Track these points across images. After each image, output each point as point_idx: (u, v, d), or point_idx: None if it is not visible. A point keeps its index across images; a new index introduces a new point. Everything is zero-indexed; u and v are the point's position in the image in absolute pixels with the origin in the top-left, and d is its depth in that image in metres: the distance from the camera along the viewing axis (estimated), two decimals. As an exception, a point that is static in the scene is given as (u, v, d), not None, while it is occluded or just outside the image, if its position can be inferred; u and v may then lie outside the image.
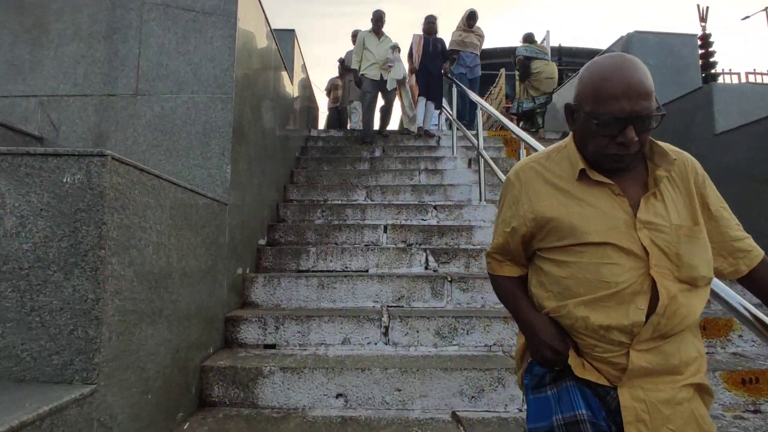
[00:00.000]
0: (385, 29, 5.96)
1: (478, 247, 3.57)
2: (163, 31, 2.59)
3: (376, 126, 6.47)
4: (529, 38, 7.54)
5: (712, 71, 10.72)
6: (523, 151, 3.11)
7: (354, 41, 7.34)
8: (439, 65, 6.18)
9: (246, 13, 2.78)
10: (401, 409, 2.04)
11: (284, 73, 4.41)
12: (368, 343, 2.42)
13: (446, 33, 6.60)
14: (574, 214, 0.98)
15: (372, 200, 4.36)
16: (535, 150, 2.88)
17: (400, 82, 6.13)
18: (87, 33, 2.61)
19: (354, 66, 6.01)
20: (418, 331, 2.44)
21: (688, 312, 0.93)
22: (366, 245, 3.55)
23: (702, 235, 0.98)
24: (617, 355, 0.94)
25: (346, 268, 3.20)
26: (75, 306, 1.24)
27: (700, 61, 7.87)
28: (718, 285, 1.35)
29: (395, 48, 5.91)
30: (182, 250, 1.84)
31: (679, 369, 0.95)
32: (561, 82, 9.01)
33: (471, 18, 6.58)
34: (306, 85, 6.64)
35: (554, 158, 1.06)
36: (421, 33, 6.28)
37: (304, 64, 6.77)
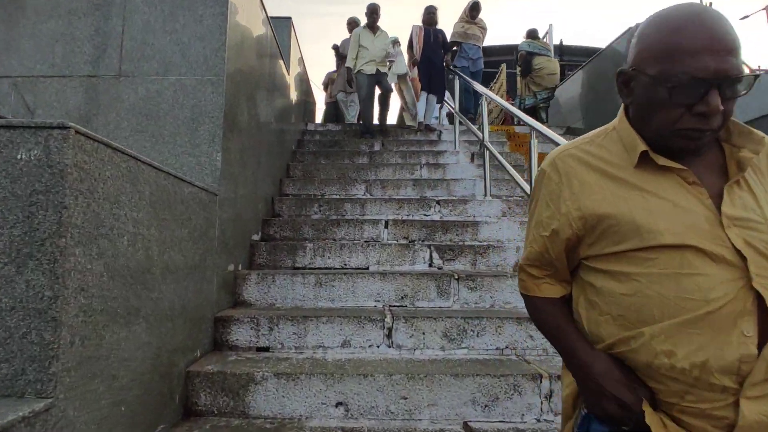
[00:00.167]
0: (382, 25, 5.76)
1: (485, 243, 3.39)
2: (149, 8, 2.39)
3: (375, 120, 6.26)
4: (532, 34, 7.39)
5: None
6: (533, 141, 2.93)
7: (349, 29, 7.13)
8: (440, 57, 6.00)
9: (239, -9, 2.59)
10: (407, 419, 1.85)
11: (280, 62, 4.22)
12: (370, 346, 2.24)
13: (444, 26, 6.38)
14: (637, 208, 0.76)
15: (372, 195, 4.17)
16: (551, 140, 2.70)
17: (401, 77, 5.93)
18: (66, 9, 2.41)
19: (348, 64, 5.74)
20: (424, 333, 2.25)
21: None
22: (366, 241, 3.36)
23: None
24: (719, 407, 0.69)
25: (345, 265, 3.01)
26: (28, 305, 1.04)
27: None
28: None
29: (396, 42, 5.71)
30: (165, 243, 1.65)
31: None
32: (563, 78, 8.86)
33: (474, 9, 6.40)
34: (303, 79, 6.44)
35: (600, 142, 0.86)
36: (420, 24, 6.10)
37: (302, 57, 6.57)
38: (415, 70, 6.20)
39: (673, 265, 0.73)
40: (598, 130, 0.89)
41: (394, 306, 2.60)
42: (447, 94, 6.34)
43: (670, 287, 0.72)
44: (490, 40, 9.27)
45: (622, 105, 0.88)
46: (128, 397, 1.38)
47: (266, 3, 3.34)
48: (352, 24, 7.10)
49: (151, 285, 1.53)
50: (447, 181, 4.31)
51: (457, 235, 3.43)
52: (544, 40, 8.23)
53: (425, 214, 3.80)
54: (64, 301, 1.06)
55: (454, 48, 6.51)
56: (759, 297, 0.69)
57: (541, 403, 1.88)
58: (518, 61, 7.40)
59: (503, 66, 9.55)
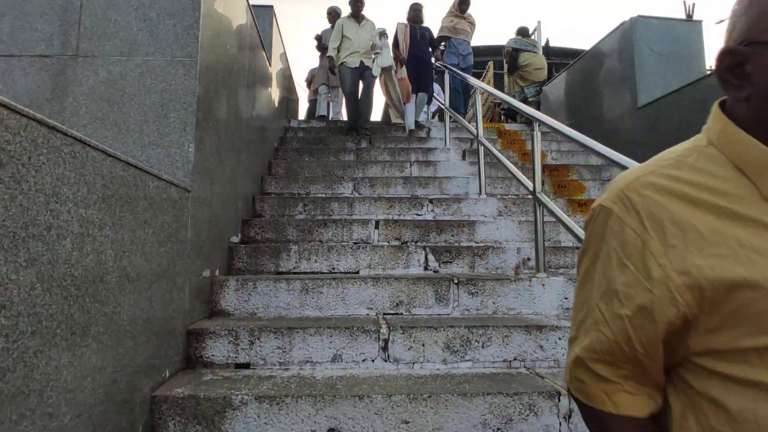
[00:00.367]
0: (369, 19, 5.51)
1: (482, 244, 3.18)
2: (112, -20, 2.11)
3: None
4: (523, 32, 7.26)
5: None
6: (537, 134, 2.72)
7: (330, 19, 6.86)
8: (428, 54, 5.78)
9: (215, -35, 2.33)
10: (409, 446, 1.62)
11: (262, 53, 3.95)
12: (364, 360, 1.99)
13: (428, 25, 6.17)
14: None
15: (360, 193, 3.93)
16: (555, 130, 2.50)
17: (386, 71, 5.59)
18: (15, -19, 2.12)
19: (330, 53, 5.47)
20: (423, 345, 2.02)
21: None
22: (355, 243, 3.12)
23: None
24: None
25: (334, 269, 2.77)
26: None
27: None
28: None
29: (383, 34, 5.41)
30: (123, 246, 1.38)
31: None
32: (550, 75, 8.75)
33: (463, 2, 6.21)
34: (286, 75, 6.17)
35: (693, 164, 0.59)
36: (405, 22, 5.87)
37: (285, 53, 6.30)
38: (403, 69, 5.92)
39: None
40: (679, 147, 0.63)
41: (389, 314, 2.36)
42: (437, 87, 6.12)
43: None
44: (478, 39, 9.11)
45: (716, 106, 0.62)
46: (73, 437, 1.12)
47: (246, -15, 3.08)
48: (333, 14, 6.83)
49: (104, 296, 1.26)
50: (439, 178, 4.09)
51: (452, 235, 3.21)
52: (533, 37, 8.10)
53: (417, 214, 3.57)
54: (-28, 324, 0.80)
55: (443, 44, 6.31)
56: None
57: (560, 424, 1.67)
58: (505, 58, 7.27)
59: (490, 64, 9.42)
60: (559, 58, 10.57)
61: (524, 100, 7.39)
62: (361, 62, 5.27)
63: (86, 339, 1.17)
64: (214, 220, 2.39)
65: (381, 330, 2.01)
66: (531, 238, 3.28)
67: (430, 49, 5.85)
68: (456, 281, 2.42)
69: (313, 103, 7.76)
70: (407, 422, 1.63)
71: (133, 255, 1.45)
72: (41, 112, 1.91)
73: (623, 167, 1.83)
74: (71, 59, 2.05)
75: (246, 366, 1.95)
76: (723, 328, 0.52)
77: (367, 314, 2.35)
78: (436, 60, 5.87)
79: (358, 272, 2.76)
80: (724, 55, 0.57)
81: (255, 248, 2.77)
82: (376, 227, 3.19)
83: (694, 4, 10.12)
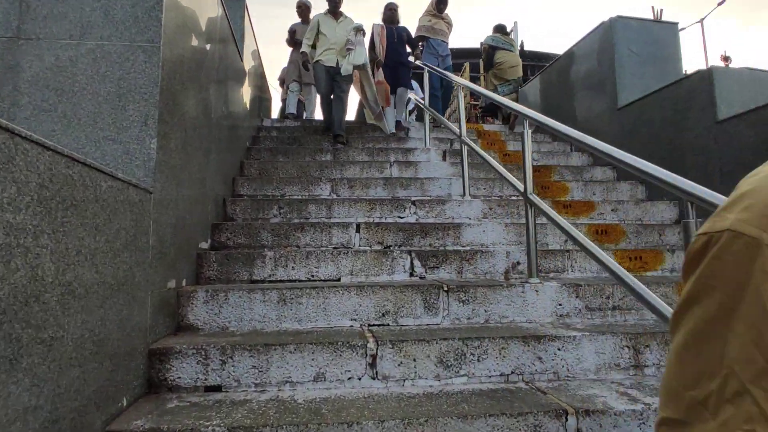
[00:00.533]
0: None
1: (468, 248, 3.04)
2: (61, -46, 1.87)
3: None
4: (500, 29, 7.19)
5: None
6: (527, 133, 2.59)
7: (299, 13, 6.62)
8: (406, 55, 5.61)
9: (180, -58, 2.11)
10: (404, 477, 1.44)
11: (234, 48, 3.72)
12: (350, 379, 1.80)
13: (404, 24, 6.01)
14: None
15: (338, 195, 3.74)
16: (547, 126, 2.37)
17: (361, 69, 5.28)
18: (-54, -48, 1.85)
19: (304, 48, 5.22)
20: (414, 360, 1.85)
21: None
22: (335, 248, 2.93)
23: None
24: None
25: (313, 276, 2.57)
26: None
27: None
28: None
29: (359, 30, 5.12)
30: (67, 257, 1.16)
31: None
32: (526, 77, 8.75)
33: (441, 2, 6.08)
34: (259, 72, 5.93)
35: None
36: (380, 23, 5.68)
37: (258, 50, 6.06)
38: (380, 72, 5.71)
39: None
40: None
41: (374, 325, 2.18)
42: (415, 85, 5.96)
43: None
44: (453, 40, 9.02)
45: None
46: (-3, 498, 0.89)
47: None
48: (302, 7, 6.58)
49: (40, 320, 1.04)
50: (420, 180, 3.94)
51: (437, 239, 3.06)
52: (510, 36, 8.07)
53: (399, 216, 3.40)
54: None
55: (421, 44, 6.17)
56: None
57: (568, 446, 1.52)
58: (482, 55, 7.19)
59: (466, 65, 9.36)
60: (534, 60, 10.61)
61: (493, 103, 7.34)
62: (338, 61, 5.02)
63: (15, 374, 0.95)
64: (181, 225, 2.16)
65: (368, 345, 1.83)
66: (518, 241, 3.17)
67: (409, 49, 5.68)
68: (446, 288, 2.26)
69: (286, 102, 7.51)
70: (402, 451, 1.45)
71: (80, 267, 1.22)
72: (-25, 101, 1.66)
73: (632, 166, 1.71)
74: (11, 42, 1.80)
75: (217, 389, 1.73)
76: None
77: (351, 326, 2.16)
78: (416, 59, 5.70)
79: (339, 279, 2.57)
80: None
81: (226, 255, 2.54)
82: (357, 231, 3.00)
83: (662, 10, 10.30)
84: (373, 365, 1.81)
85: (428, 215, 3.45)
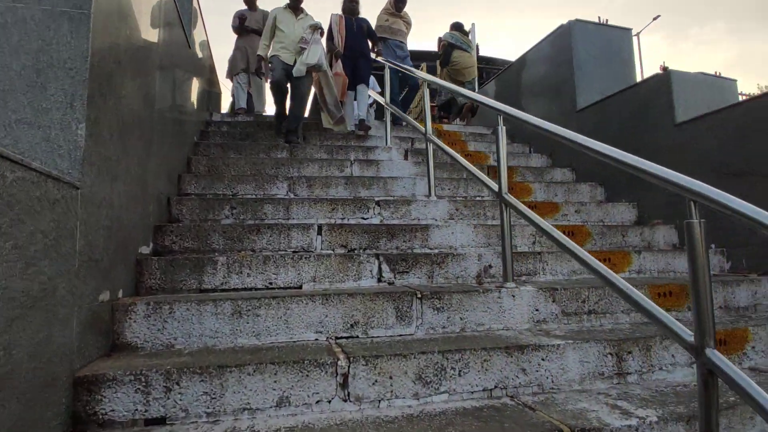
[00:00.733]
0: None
1: (437, 250, 2.89)
2: None
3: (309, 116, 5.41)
4: (458, 27, 7.15)
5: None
6: (501, 130, 2.46)
7: (246, 1, 6.26)
8: (366, 47, 5.40)
9: None
10: None
11: (181, 33, 3.39)
12: (318, 402, 1.58)
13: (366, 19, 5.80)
14: None
15: (296, 194, 3.49)
16: (525, 122, 2.24)
17: (317, 70, 4.96)
18: None
19: (260, 52, 4.89)
20: (391, 377, 1.65)
21: None
22: (295, 252, 2.69)
23: None
24: None
25: (271, 284, 2.32)
26: None
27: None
28: None
29: (316, 28, 4.70)
30: (-46, 270, 0.88)
31: None
32: (481, 80, 8.79)
33: (400, 0, 5.92)
34: (208, 64, 5.55)
35: None
36: (340, 13, 5.45)
37: (207, 42, 5.67)
38: (338, 64, 5.45)
39: None
40: None
41: (342, 338, 1.97)
42: (373, 80, 5.75)
43: None
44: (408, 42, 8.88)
45: None
46: None
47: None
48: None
49: None
50: (383, 179, 3.75)
51: (404, 241, 2.88)
52: (468, 37, 8.07)
53: (363, 217, 3.20)
54: None
55: (376, 48, 5.95)
56: None
57: (565, 471, 1.38)
58: (439, 51, 7.12)
59: (424, 64, 9.28)
60: (487, 65, 10.70)
61: (451, 100, 7.30)
62: (295, 60, 4.68)
63: None
64: (117, 227, 1.86)
65: (338, 362, 1.61)
66: (488, 243, 3.05)
67: (369, 43, 5.48)
68: (419, 295, 2.08)
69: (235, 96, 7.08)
70: (384, 489, 1.25)
71: (-26, 282, 0.94)
72: None
73: (635, 167, 1.59)
74: None
75: (161, 421, 1.46)
76: None
77: (317, 340, 1.93)
78: (377, 55, 5.50)
79: (300, 287, 2.33)
80: None
81: (172, 261, 2.24)
82: (319, 233, 2.77)
83: (607, 20, 10.73)
84: (344, 385, 1.60)
85: (393, 216, 3.27)
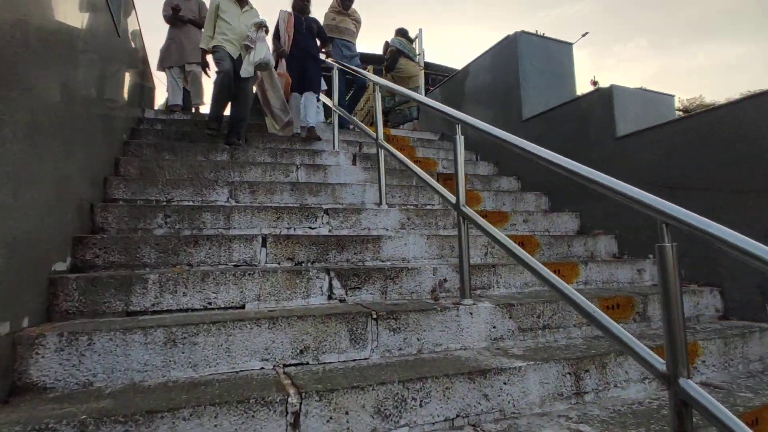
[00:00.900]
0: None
1: (389, 263, 2.78)
2: None
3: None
4: (404, 33, 7.11)
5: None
6: (459, 139, 2.37)
7: None
8: (316, 48, 5.15)
9: None
10: None
11: (108, 19, 3.06)
12: (265, 446, 1.40)
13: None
14: None
15: (238, 201, 3.25)
16: (483, 131, 2.17)
17: (263, 68, 4.54)
18: None
19: (203, 45, 4.48)
20: (347, 413, 1.50)
21: None
22: (237, 266, 2.47)
23: None
24: None
25: (210, 304, 2.09)
26: None
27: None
28: None
29: (261, 26, 4.38)
30: None
31: None
32: (427, 85, 8.82)
33: (347, -3, 5.77)
34: (141, 57, 5.14)
35: None
36: (289, 10, 5.19)
37: (140, 32, 5.25)
38: (282, 64, 5.18)
39: None
40: None
41: (292, 365, 1.79)
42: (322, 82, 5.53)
43: None
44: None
45: None
46: None
47: None
48: None
49: None
50: (331, 185, 3.59)
51: (355, 254, 2.74)
52: (413, 44, 8.06)
53: (311, 227, 3.03)
54: None
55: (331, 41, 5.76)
56: None
57: None
58: (385, 56, 7.05)
59: (370, 68, 9.18)
60: (435, 71, 10.79)
61: (394, 106, 7.26)
62: (240, 56, 4.37)
63: None
64: (24, 240, 1.57)
65: (289, 399, 1.44)
66: (441, 254, 2.97)
67: (318, 44, 5.25)
68: (374, 316, 1.95)
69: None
70: None
71: None
72: None
73: (606, 187, 1.54)
74: None
75: (72, 482, 1.22)
76: None
77: (263, 369, 1.74)
78: (327, 56, 5.28)
79: (243, 306, 2.12)
80: None
81: (93, 279, 1.96)
82: (264, 245, 2.57)
83: (544, 33, 11.14)
84: (295, 425, 1.43)
85: (342, 226, 3.11)
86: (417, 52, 8.15)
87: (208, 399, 1.39)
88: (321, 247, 2.68)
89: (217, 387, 1.51)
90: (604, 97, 3.90)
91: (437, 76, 9.87)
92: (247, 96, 4.49)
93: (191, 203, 3.11)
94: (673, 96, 4.34)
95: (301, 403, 1.44)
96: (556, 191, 4.29)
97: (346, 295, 2.32)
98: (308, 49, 4.94)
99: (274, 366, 1.77)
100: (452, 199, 2.35)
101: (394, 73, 6.85)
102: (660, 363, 1.28)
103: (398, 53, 6.82)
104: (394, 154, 3.18)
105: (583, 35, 26.26)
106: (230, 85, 4.35)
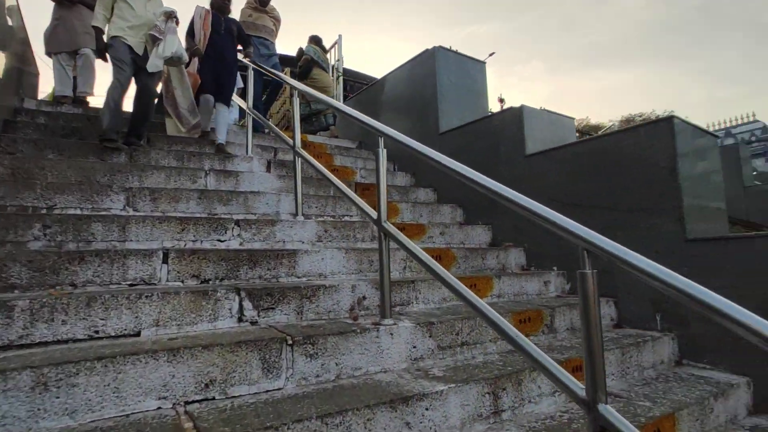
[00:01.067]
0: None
1: (305, 279, 2.64)
2: None
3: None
4: (317, 41, 6.96)
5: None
6: (381, 152, 2.30)
7: None
8: (233, 54, 4.72)
9: None
10: None
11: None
12: (159, 506, 1.21)
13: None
14: None
15: (137, 210, 2.91)
16: (406, 145, 2.12)
17: (174, 63, 4.17)
18: None
19: (97, 23, 3.84)
20: (258, 457, 1.35)
21: None
22: (133, 285, 2.18)
23: None
24: None
25: (97, 332, 1.81)
26: None
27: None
28: None
29: (171, 16, 3.96)
30: None
31: None
32: (346, 92, 8.75)
33: (265, -7, 5.51)
34: (20, 38, 4.50)
35: None
36: (207, 7, 4.78)
37: (19, 9, 4.61)
38: (194, 63, 4.76)
39: None
40: None
41: (195, 401, 1.59)
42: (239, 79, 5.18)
43: None
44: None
45: None
46: None
47: None
48: None
49: None
50: (244, 194, 3.36)
51: (269, 269, 2.56)
52: (332, 50, 7.95)
53: (220, 240, 2.79)
54: None
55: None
56: None
57: None
58: (298, 63, 6.85)
59: (287, 70, 8.92)
60: (353, 78, 10.75)
61: (309, 114, 7.10)
62: (145, 48, 3.89)
63: None
64: None
65: (190, 447, 1.26)
66: (359, 269, 2.88)
67: (239, 48, 4.86)
68: (290, 342, 1.80)
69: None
70: None
71: None
72: None
73: (534, 213, 1.54)
74: None
75: None
76: None
77: (160, 408, 1.53)
78: (246, 56, 4.91)
79: (139, 334, 1.86)
80: None
81: (-60, 307, 1.60)
82: (165, 260, 2.30)
83: (457, 50, 11.57)
84: (197, 478, 1.25)
85: (255, 238, 2.91)
86: (337, 57, 8.06)
87: (88, 456, 1.16)
88: (231, 263, 2.46)
89: (101, 438, 1.29)
90: (515, 116, 4.08)
91: (355, 83, 9.85)
92: (153, 93, 4.06)
93: (78, 211, 2.73)
94: (573, 118, 4.67)
95: (204, 452, 1.27)
96: (470, 204, 4.40)
97: (259, 316, 2.14)
98: (224, 52, 4.56)
99: (174, 404, 1.56)
100: (374, 214, 2.27)
101: (308, 82, 6.68)
102: (580, 388, 1.29)
103: (312, 63, 6.66)
104: (312, 164, 3.04)
105: (491, 54, 27.82)
106: (126, 86, 3.83)
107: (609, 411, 1.21)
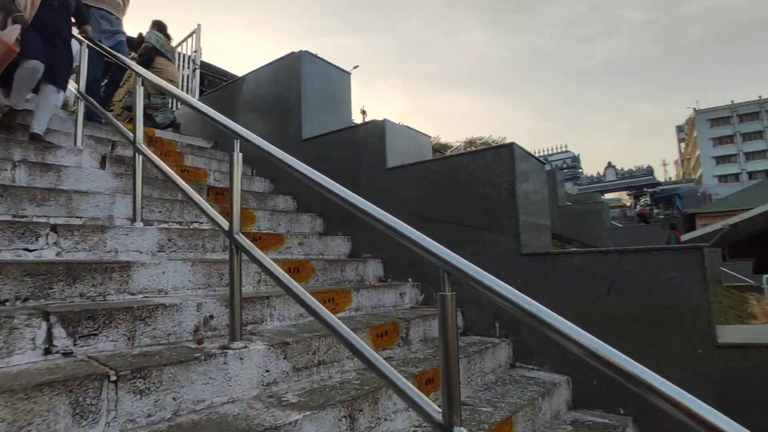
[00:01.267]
0: None
1: (141, 296, 2.29)
2: None
3: None
4: (161, 27, 6.33)
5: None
6: (237, 156, 2.09)
7: None
8: (69, 31, 4.01)
9: None
10: None
11: None
12: None
13: None
14: None
15: None
16: (264, 150, 1.96)
17: None
18: None
19: None
20: None
21: None
22: None
23: None
24: None
25: None
26: None
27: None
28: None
29: None
30: None
31: None
32: (203, 87, 8.12)
33: (108, -40, 4.79)
34: None
35: None
36: None
37: None
38: (13, 31, 3.84)
39: None
40: None
41: (-32, 467, 1.22)
42: (76, 48, 4.35)
43: None
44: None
45: None
46: None
47: None
48: None
49: None
50: (67, 192, 2.82)
51: (94, 286, 2.15)
52: (188, 40, 7.29)
53: (28, 249, 2.28)
54: None
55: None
56: None
57: None
58: (139, 50, 6.15)
59: (133, 54, 7.93)
60: (211, 73, 10.00)
61: (146, 107, 6.43)
62: None
63: None
64: None
65: None
66: (207, 283, 2.61)
67: (74, 24, 4.08)
68: (113, 377, 1.51)
69: None
70: None
71: None
72: None
73: (396, 231, 1.50)
74: None
75: None
76: None
77: None
78: (82, 32, 4.13)
79: None
80: None
81: None
82: (-60, 277, 1.78)
83: (353, 70, 11.66)
84: None
85: (78, 248, 2.44)
86: (194, 48, 7.42)
87: None
88: (41, 279, 2.01)
89: None
90: (378, 129, 4.15)
91: (214, 78, 9.21)
92: None
93: None
94: (429, 136, 4.94)
95: None
96: (330, 214, 4.35)
97: (75, 345, 1.76)
98: (58, 29, 3.76)
99: (-66, 475, 1.17)
100: (225, 224, 2.05)
101: (151, 71, 6.01)
102: (437, 412, 1.29)
103: (153, 51, 6.02)
104: (155, 164, 2.67)
105: (355, 67, 28.52)
106: None
107: (463, 434, 1.22)
